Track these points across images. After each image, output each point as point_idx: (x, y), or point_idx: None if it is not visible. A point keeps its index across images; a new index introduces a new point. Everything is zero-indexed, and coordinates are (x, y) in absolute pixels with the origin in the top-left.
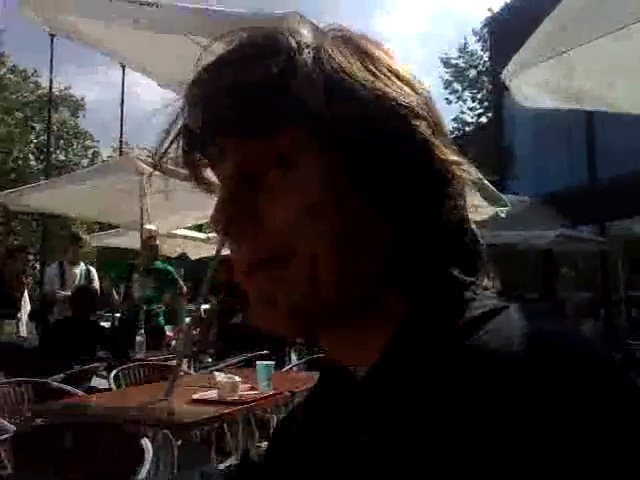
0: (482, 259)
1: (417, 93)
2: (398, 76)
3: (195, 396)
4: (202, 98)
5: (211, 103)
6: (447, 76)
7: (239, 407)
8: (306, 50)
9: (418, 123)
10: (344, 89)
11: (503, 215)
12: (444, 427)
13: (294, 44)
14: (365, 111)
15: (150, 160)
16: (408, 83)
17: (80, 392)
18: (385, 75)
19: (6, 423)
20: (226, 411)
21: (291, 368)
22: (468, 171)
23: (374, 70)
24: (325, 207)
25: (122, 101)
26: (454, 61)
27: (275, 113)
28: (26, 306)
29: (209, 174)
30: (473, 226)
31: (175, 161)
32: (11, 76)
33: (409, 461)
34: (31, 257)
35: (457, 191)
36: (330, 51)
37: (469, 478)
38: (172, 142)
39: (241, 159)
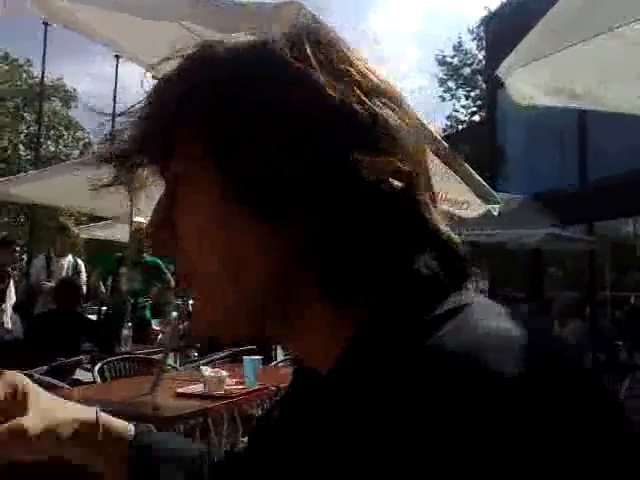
0: (455, 258)
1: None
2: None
3: (180, 390)
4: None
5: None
6: (442, 74)
7: (224, 401)
8: (217, 69)
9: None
10: (241, 102)
11: (495, 213)
12: (393, 433)
13: (204, 62)
14: (256, 126)
15: None
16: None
17: (64, 385)
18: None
19: None
20: (211, 405)
21: (278, 363)
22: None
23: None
24: (216, 226)
25: (115, 92)
26: (449, 59)
27: (169, 134)
28: (11, 298)
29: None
30: (442, 226)
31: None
32: (3, 65)
33: (359, 466)
34: (18, 249)
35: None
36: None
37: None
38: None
39: (161, 173)
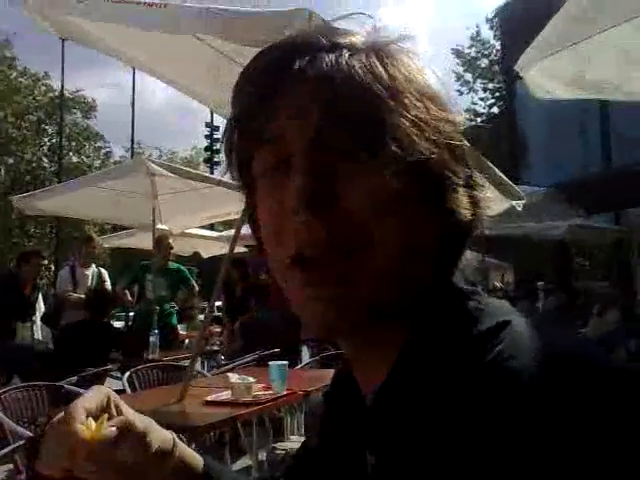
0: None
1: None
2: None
3: (209, 398)
4: (276, 79)
5: (296, 87)
6: (458, 67)
7: (253, 408)
8: (381, 54)
9: (465, 151)
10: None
11: (519, 208)
12: (462, 450)
13: (364, 44)
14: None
15: (160, 161)
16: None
17: None
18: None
19: (21, 429)
20: (240, 413)
21: (304, 366)
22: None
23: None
24: (407, 199)
25: (133, 102)
26: (466, 50)
27: (377, 114)
28: (40, 309)
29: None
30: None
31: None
32: (22, 79)
33: None
34: (45, 261)
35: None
36: (399, 59)
37: None
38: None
39: (333, 136)
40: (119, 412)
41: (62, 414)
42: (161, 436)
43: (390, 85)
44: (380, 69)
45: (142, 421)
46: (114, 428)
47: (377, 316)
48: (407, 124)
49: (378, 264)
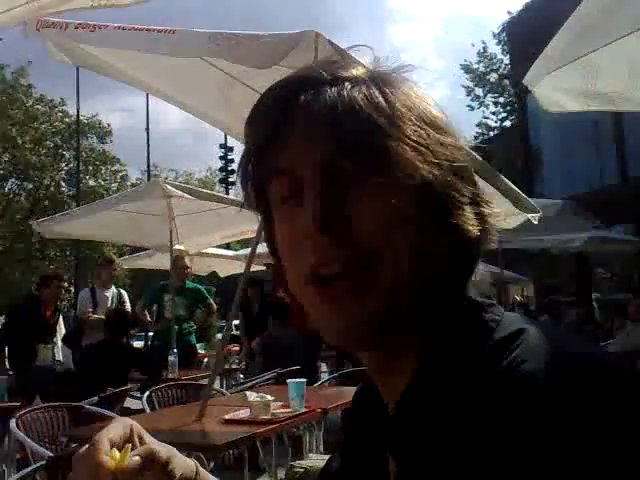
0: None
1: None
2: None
3: (227, 416)
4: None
5: (312, 115)
6: (468, 82)
7: (271, 426)
8: (383, 86)
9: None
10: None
11: (535, 222)
12: (479, 457)
13: (367, 75)
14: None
15: (175, 183)
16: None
17: (114, 415)
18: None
19: (42, 449)
20: (258, 431)
21: (322, 383)
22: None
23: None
24: (414, 219)
25: (147, 125)
26: (475, 65)
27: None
28: (61, 331)
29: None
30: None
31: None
32: (39, 106)
33: None
34: (65, 284)
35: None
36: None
37: None
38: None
39: (340, 163)
40: (142, 442)
41: (87, 445)
42: (184, 464)
43: (390, 113)
44: (380, 99)
45: (165, 450)
46: (138, 457)
47: (392, 328)
48: (407, 149)
49: (389, 280)
